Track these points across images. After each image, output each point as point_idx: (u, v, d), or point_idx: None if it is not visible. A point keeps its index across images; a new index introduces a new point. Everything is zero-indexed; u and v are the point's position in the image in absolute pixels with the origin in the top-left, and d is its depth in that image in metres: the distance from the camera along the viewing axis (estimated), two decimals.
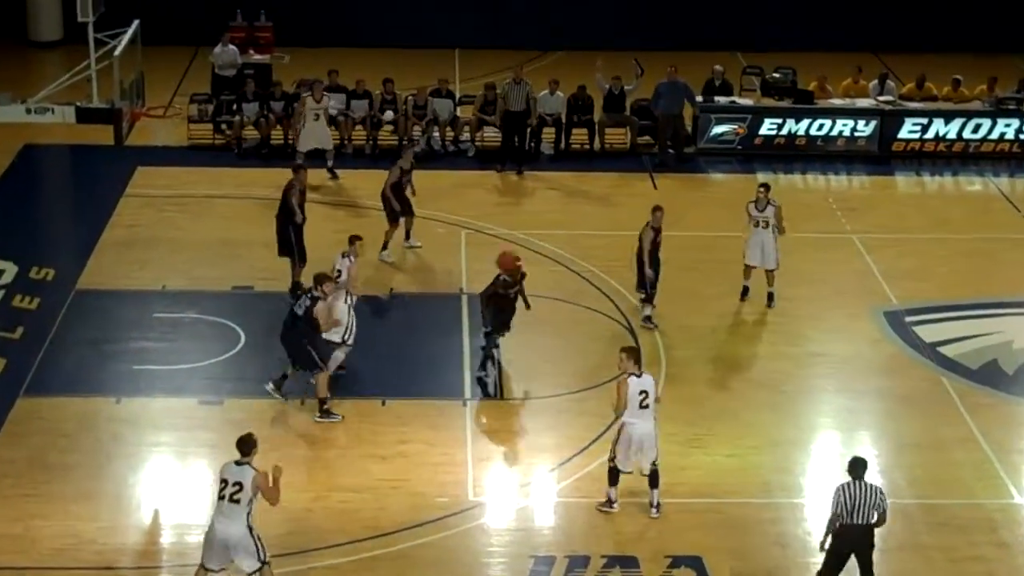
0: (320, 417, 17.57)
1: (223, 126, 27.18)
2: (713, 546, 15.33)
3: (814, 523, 15.62)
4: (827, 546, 14.14)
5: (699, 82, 27.82)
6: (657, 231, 19.90)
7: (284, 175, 21.17)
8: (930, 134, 27.52)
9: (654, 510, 15.78)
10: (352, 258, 18.49)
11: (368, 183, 23.96)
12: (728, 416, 18.03)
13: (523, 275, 18.75)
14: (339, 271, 18.32)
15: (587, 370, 18.86)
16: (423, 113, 27.01)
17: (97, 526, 15.35)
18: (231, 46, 28.81)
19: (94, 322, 20.00)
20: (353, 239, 18.73)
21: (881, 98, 27.95)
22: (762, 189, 20.76)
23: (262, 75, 28.38)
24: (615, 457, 15.67)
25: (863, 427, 18.14)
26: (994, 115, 27.53)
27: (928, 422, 18.07)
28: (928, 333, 20.32)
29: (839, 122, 27.44)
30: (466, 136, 27.38)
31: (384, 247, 21.97)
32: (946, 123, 27.48)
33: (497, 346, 18.86)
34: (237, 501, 13.38)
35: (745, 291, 21.07)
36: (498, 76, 28.39)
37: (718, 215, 23.86)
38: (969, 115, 27.56)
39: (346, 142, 26.82)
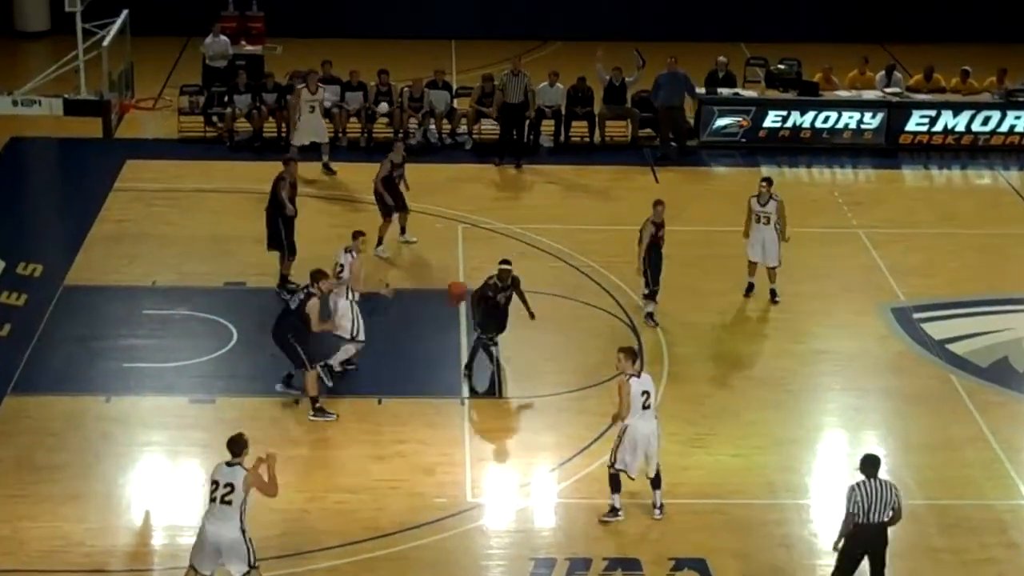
0: (314, 416, 17.43)
1: (214, 118, 26.96)
2: (717, 548, 15.21)
3: (820, 524, 15.58)
4: (839, 547, 13.90)
5: (702, 73, 27.64)
6: (658, 226, 19.72)
7: (277, 168, 20.99)
8: (938, 127, 27.26)
9: (657, 511, 15.64)
10: (355, 253, 18.33)
11: (363, 177, 23.73)
12: (731, 415, 17.90)
13: (516, 281, 18.41)
14: (341, 266, 18.19)
15: (588, 368, 18.67)
16: (419, 105, 26.78)
17: (86, 527, 15.23)
18: (222, 36, 28.50)
19: (82, 319, 19.83)
20: (356, 234, 18.58)
21: (888, 90, 27.71)
22: (764, 183, 20.52)
23: (254, 66, 28.11)
24: (616, 463, 15.42)
25: (870, 426, 17.97)
26: (1004, 107, 27.31)
27: (937, 421, 17.94)
28: (936, 330, 20.14)
29: (845, 114, 27.14)
30: (463, 129, 27.18)
31: (379, 243, 21.71)
32: (954, 115, 27.20)
33: (495, 344, 18.62)
34: (229, 503, 13.25)
35: (750, 287, 20.85)
36: (496, 67, 28.20)
37: (721, 209, 23.60)
38: (978, 107, 27.31)
39: (340, 135, 26.54)
